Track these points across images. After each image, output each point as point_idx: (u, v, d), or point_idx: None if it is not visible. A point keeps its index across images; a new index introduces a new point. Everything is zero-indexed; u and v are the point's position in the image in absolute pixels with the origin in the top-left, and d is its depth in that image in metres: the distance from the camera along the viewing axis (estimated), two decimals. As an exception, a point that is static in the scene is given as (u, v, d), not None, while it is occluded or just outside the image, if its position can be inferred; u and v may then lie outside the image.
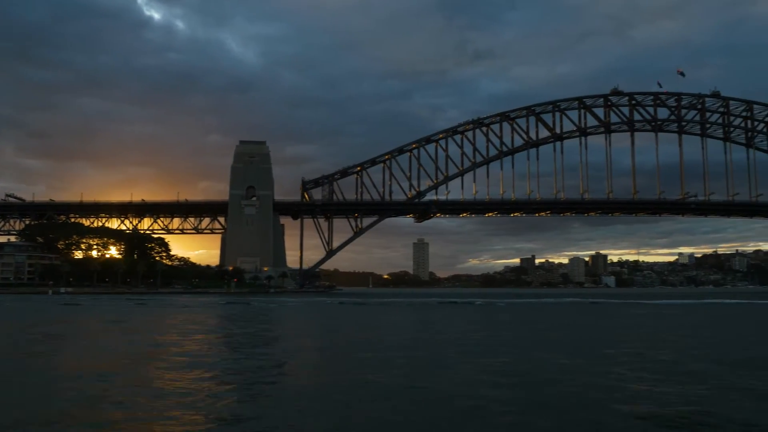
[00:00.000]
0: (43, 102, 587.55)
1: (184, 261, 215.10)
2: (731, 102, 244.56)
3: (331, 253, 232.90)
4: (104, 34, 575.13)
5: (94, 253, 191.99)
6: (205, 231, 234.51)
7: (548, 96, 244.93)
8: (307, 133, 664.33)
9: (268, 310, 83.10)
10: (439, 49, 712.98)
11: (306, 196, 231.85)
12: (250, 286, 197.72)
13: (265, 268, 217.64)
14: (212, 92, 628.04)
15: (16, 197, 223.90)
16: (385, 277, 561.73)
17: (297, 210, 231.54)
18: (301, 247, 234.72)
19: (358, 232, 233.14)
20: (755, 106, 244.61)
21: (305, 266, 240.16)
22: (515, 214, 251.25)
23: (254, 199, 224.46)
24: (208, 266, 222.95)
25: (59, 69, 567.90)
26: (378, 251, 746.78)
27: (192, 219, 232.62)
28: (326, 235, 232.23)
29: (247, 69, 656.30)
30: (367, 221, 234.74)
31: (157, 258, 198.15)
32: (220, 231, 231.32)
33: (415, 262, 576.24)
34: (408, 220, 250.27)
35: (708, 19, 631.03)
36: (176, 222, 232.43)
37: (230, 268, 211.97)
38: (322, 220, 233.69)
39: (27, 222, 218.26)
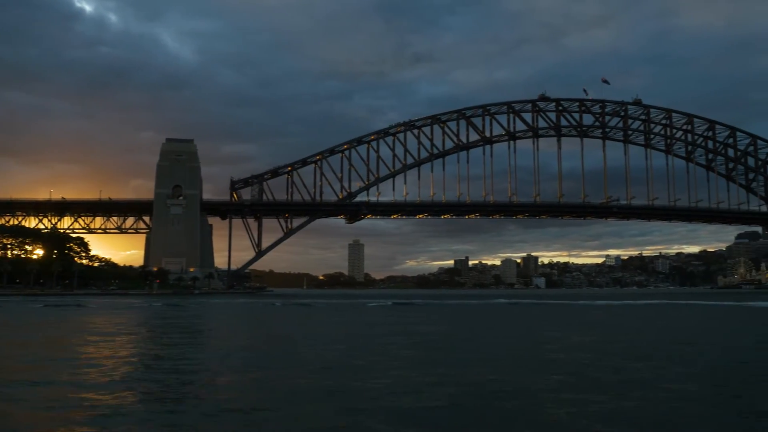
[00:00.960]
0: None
1: (106, 261, 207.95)
2: (652, 110, 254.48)
3: (260, 253, 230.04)
4: (32, 25, 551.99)
5: (9, 254, 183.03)
6: (129, 231, 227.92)
7: (486, 100, 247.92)
8: (245, 132, 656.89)
9: (164, 311, 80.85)
10: (378, 51, 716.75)
11: (235, 195, 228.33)
12: (174, 287, 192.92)
13: (192, 269, 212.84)
14: (145, 88, 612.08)
15: None
16: (321, 278, 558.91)
17: (225, 210, 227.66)
18: (230, 247, 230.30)
19: (288, 233, 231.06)
20: (674, 114, 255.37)
21: (235, 267, 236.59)
22: (445, 216, 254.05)
23: (181, 198, 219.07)
24: (130, 267, 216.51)
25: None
26: (316, 252, 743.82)
27: (115, 218, 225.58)
28: (256, 236, 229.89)
29: (182, 66, 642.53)
30: (298, 222, 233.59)
31: (75, 258, 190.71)
32: (145, 231, 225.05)
33: (351, 263, 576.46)
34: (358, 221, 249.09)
35: (636, 29, 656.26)
36: (99, 221, 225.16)
37: (155, 269, 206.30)
38: (251, 221, 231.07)
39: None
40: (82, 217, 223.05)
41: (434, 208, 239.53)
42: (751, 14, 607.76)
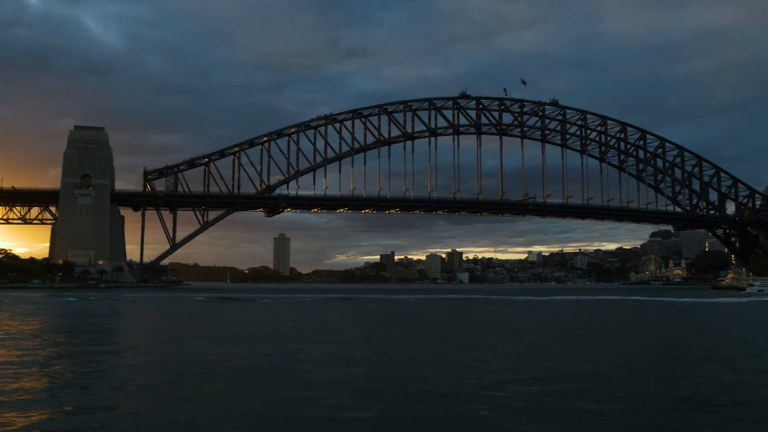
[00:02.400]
0: None
1: (5, 253, 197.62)
2: (568, 111, 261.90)
3: (174, 246, 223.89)
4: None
5: None
6: (35, 221, 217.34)
7: (418, 96, 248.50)
8: (173, 122, 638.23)
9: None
10: (311, 44, 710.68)
11: (149, 186, 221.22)
12: (79, 281, 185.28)
13: (101, 262, 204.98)
14: (66, 74, 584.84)
15: None
16: (246, 272, 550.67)
17: (138, 201, 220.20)
18: (142, 240, 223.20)
19: (204, 226, 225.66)
20: (589, 116, 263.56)
21: (151, 260, 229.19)
22: (366, 210, 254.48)
23: (90, 188, 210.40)
24: (32, 259, 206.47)
25: None
26: (245, 246, 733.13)
27: (19, 208, 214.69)
28: (171, 228, 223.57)
29: (106, 51, 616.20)
30: (215, 215, 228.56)
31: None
32: (51, 222, 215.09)
33: (276, 257, 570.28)
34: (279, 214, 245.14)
35: (563, 33, 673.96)
36: (2, 211, 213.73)
37: (60, 262, 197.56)
38: (167, 213, 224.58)
39: None
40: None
41: (354, 203, 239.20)
42: (669, 22, 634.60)
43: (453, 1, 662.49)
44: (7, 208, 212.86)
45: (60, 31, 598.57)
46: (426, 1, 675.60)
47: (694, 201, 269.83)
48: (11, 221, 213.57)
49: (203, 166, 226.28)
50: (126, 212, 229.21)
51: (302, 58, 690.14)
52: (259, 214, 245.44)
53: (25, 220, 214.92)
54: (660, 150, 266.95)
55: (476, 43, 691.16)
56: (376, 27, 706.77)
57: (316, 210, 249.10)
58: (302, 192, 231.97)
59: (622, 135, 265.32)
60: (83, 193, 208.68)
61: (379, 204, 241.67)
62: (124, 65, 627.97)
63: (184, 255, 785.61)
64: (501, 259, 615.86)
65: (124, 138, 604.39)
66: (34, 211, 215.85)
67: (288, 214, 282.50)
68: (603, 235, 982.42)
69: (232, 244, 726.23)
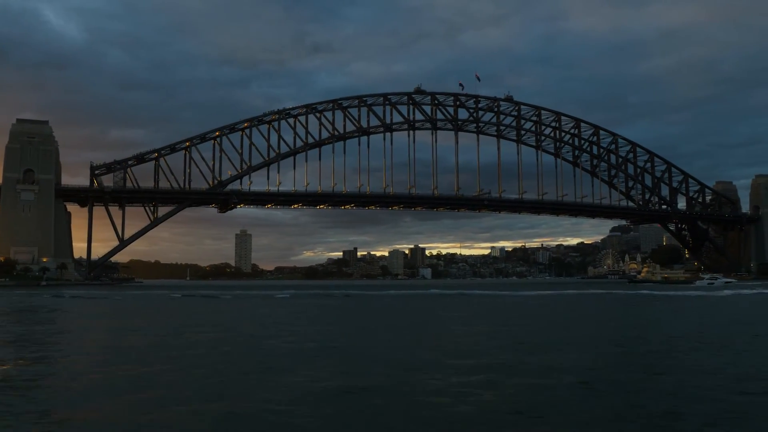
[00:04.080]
0: None
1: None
2: (522, 107, 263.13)
3: (123, 243, 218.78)
4: None
5: None
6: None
7: (385, 92, 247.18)
8: (135, 117, 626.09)
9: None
10: (277, 39, 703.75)
11: (95, 182, 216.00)
12: (20, 278, 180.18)
13: (45, 259, 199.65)
14: (25, 67, 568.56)
15: None
16: (207, 268, 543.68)
17: (84, 197, 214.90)
18: (89, 236, 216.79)
19: (154, 222, 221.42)
20: (543, 111, 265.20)
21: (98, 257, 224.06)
22: (321, 206, 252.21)
23: (34, 183, 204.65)
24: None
25: None
26: (210, 243, 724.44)
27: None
28: (120, 225, 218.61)
29: (67, 44, 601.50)
30: (166, 211, 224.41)
31: None
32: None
33: (238, 253, 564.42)
34: (243, 210, 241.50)
35: (528, 30, 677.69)
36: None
37: (1, 258, 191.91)
38: (116, 209, 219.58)
39: None
40: None
41: (308, 199, 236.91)
42: (631, 21, 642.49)
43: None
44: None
45: (18, 23, 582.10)
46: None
47: (647, 196, 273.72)
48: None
49: (153, 161, 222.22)
50: (74, 208, 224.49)
51: (268, 53, 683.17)
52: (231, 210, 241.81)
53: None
54: (613, 146, 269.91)
55: (442, 40, 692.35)
56: (343, 22, 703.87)
57: (269, 206, 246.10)
58: (258, 188, 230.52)
59: (576, 131, 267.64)
60: (26, 188, 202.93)
61: (334, 199, 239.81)
62: (86, 58, 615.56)
63: (145, 252, 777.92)
64: (465, 255, 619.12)
65: (86, 133, 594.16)
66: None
67: (254, 210, 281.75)
68: (567, 230, 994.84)
69: (197, 241, 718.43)
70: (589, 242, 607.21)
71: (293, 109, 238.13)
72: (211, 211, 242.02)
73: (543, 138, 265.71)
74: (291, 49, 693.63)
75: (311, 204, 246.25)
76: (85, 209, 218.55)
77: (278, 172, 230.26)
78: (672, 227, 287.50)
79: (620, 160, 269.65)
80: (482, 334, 38.34)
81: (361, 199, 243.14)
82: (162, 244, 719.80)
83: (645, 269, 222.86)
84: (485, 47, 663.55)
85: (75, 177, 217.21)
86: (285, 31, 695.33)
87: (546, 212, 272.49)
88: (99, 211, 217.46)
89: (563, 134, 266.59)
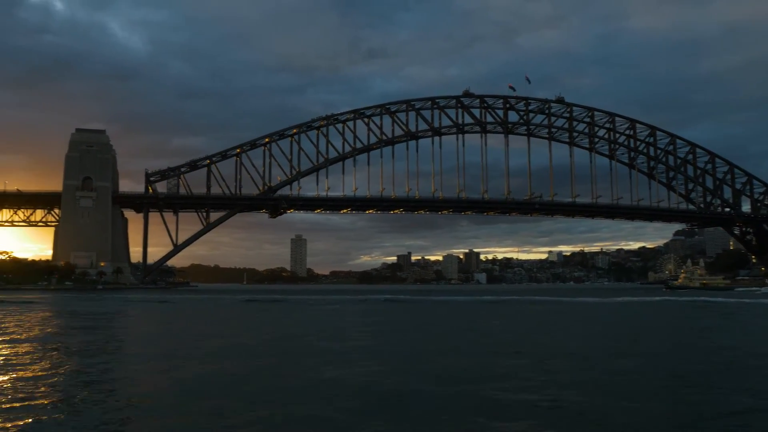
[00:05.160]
0: None
1: (6, 254, 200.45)
2: (575, 108, 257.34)
3: (177, 248, 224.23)
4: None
5: None
6: (39, 224, 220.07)
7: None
8: (196, 125, 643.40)
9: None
10: (332, 46, 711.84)
11: (150, 188, 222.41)
12: (77, 282, 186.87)
13: (102, 263, 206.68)
14: (92, 78, 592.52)
15: None
16: (264, 272, 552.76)
17: (140, 203, 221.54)
18: (145, 241, 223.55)
19: (207, 227, 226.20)
20: (596, 113, 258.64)
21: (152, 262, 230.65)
22: (370, 210, 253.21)
23: (92, 190, 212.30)
24: (33, 261, 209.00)
25: None
26: (269, 248, 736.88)
27: (24, 211, 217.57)
28: (174, 230, 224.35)
29: (131, 56, 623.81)
30: (218, 216, 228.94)
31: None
32: (54, 224, 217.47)
33: (293, 258, 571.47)
34: (302, 215, 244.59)
35: (586, 31, 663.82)
36: (7, 213, 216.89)
37: (62, 263, 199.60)
38: (170, 214, 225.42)
39: None
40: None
41: (356, 203, 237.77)
42: (694, 18, 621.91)
43: (473, 0, 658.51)
44: (13, 211, 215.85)
45: (86, 37, 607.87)
46: (446, 0, 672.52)
47: (708, 198, 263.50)
48: (16, 224, 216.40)
49: (206, 168, 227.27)
50: (131, 214, 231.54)
51: (323, 59, 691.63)
52: (281, 215, 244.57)
53: (29, 223, 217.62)
54: (671, 147, 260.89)
55: (497, 43, 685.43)
56: (397, 28, 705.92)
57: (319, 211, 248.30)
58: (307, 193, 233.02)
59: (632, 132, 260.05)
60: (85, 195, 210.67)
61: (382, 204, 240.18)
62: (148, 69, 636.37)
63: (205, 257, 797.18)
64: (521, 260, 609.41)
65: (149, 141, 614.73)
66: (39, 214, 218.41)
67: (312, 215, 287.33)
68: (629, 234, 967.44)
69: (256, 246, 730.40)
70: (652, 246, 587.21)
71: (341, 114, 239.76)
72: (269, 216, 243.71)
73: (597, 140, 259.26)
74: (346, 55, 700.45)
75: (360, 209, 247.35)
76: (142, 215, 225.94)
77: (327, 177, 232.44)
78: (736, 231, 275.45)
79: (679, 161, 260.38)
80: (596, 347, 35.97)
81: (409, 204, 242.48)
82: (223, 249, 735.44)
83: (682, 275, 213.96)
84: (541, 49, 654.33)
85: (139, 184, 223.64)
86: (340, 38, 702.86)
87: (600, 216, 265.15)
88: (155, 216, 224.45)
89: (618, 135, 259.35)
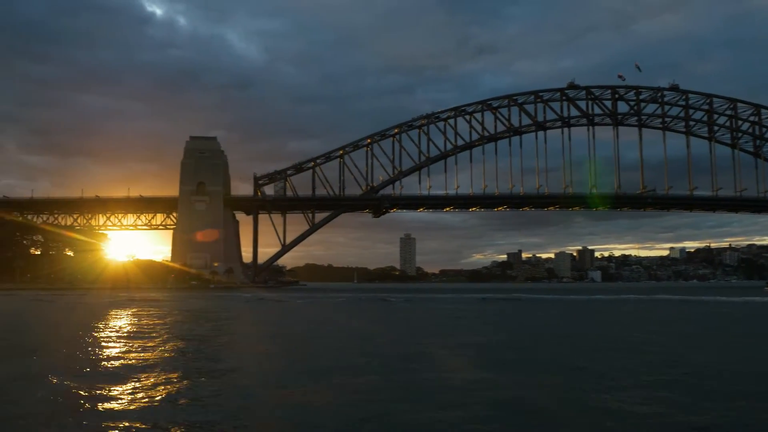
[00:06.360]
0: (45, 98, 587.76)
1: (133, 257, 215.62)
2: (691, 95, 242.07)
3: (285, 248, 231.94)
4: (106, 29, 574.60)
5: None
6: (159, 227, 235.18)
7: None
8: (309, 128, 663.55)
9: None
10: (440, 45, 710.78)
11: (259, 191, 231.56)
12: (191, 281, 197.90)
13: (216, 264, 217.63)
14: (214, 88, 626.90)
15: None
16: (374, 271, 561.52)
17: (249, 206, 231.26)
18: (255, 242, 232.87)
19: (312, 228, 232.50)
20: (715, 99, 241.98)
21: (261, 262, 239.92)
22: (473, 209, 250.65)
23: (205, 195, 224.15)
24: (153, 262, 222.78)
25: (60, 65, 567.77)
26: (382, 247, 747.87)
27: (146, 215, 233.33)
28: (281, 231, 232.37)
29: (249, 65, 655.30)
30: (322, 218, 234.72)
31: (97, 254, 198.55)
32: (173, 227, 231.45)
33: (402, 257, 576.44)
34: (411, 215, 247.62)
35: (711, 13, 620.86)
36: (131, 218, 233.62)
37: (177, 265, 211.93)
38: (277, 216, 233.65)
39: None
40: (116, 215, 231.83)
41: (458, 201, 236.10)
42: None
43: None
44: (136, 215, 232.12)
45: (207, 49, 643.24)
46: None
47: None
48: (139, 227, 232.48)
49: (311, 170, 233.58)
50: (242, 216, 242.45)
51: (432, 58, 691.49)
52: (391, 214, 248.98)
53: (151, 226, 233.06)
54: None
55: (613, 31, 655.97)
56: (505, 22, 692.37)
57: (421, 209, 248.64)
58: (409, 192, 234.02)
59: (756, 118, 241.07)
60: (199, 199, 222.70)
61: (485, 202, 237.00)
62: (264, 77, 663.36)
63: (320, 256, 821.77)
64: (639, 256, 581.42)
65: (267, 146, 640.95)
66: (159, 218, 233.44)
67: (424, 214, 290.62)
68: (764, 228, 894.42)
69: (371, 245, 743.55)
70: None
71: (442, 112, 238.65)
72: (384, 216, 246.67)
73: (717, 128, 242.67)
74: (454, 53, 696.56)
75: (462, 207, 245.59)
76: (249, 216, 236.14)
77: (428, 176, 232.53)
78: None
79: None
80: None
81: (513, 201, 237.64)
82: (338, 249, 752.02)
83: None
84: (662, 35, 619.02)
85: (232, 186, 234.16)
86: (448, 36, 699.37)
87: (722, 209, 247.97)
88: (265, 218, 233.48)
89: (740, 123, 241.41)
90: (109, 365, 25.19)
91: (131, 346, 31.60)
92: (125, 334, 39.01)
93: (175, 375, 22.35)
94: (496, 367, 25.21)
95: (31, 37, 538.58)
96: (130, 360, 26.53)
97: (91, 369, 24.26)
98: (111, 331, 41.39)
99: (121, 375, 22.28)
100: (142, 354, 28.52)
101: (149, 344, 32.65)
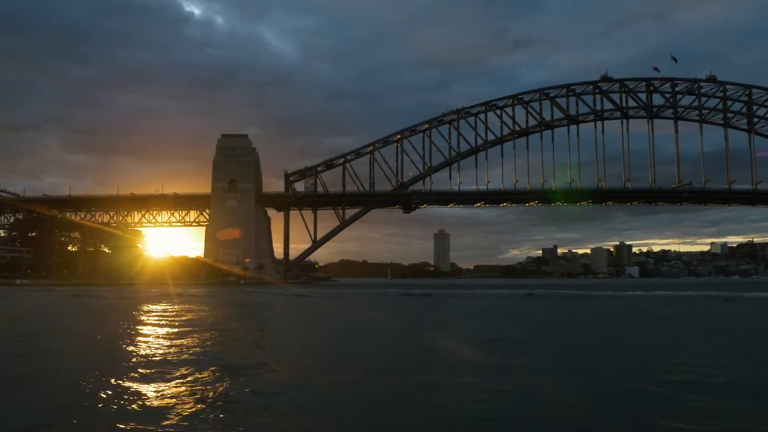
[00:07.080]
0: (87, 98, 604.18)
1: (168, 254, 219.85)
2: (729, 86, 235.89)
3: (316, 244, 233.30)
4: (145, 30, 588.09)
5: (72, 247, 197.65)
6: (193, 224, 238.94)
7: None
8: (345, 124, 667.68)
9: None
10: (476, 38, 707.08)
11: (290, 188, 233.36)
12: (222, 277, 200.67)
13: (247, 260, 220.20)
14: (251, 86, 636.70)
15: (9, 192, 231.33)
16: (408, 267, 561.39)
17: (280, 202, 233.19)
18: (286, 238, 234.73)
19: (343, 224, 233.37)
20: (754, 90, 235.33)
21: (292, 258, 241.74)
22: (504, 204, 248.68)
23: (237, 192, 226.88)
24: (187, 258, 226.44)
25: (101, 66, 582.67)
26: (417, 242, 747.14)
27: (180, 212, 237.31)
28: (312, 227, 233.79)
29: (285, 62, 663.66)
30: (353, 213, 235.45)
31: (133, 250, 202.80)
32: (206, 224, 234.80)
33: (436, 253, 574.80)
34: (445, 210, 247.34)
35: (752, 1, 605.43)
36: (165, 215, 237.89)
37: (209, 261, 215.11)
38: (308, 212, 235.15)
39: (19, 217, 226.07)
40: (151, 211, 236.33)
41: (489, 197, 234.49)
42: None
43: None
44: (170, 212, 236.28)
45: (244, 48, 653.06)
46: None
47: None
48: (173, 224, 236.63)
49: (341, 166, 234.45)
50: (274, 213, 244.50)
51: (467, 53, 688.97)
52: (427, 210, 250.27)
53: (184, 223, 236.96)
54: None
55: (652, 22, 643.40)
56: (541, 14, 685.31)
57: (452, 205, 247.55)
58: (440, 187, 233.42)
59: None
60: (231, 196, 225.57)
61: (516, 197, 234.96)
62: (300, 74, 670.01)
63: (356, 252, 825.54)
64: (679, 252, 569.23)
65: (303, 142, 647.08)
66: (193, 215, 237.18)
67: (459, 210, 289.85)
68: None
69: (406, 241, 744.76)
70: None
71: (473, 107, 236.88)
72: (420, 211, 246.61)
73: (757, 119, 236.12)
74: (490, 47, 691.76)
75: (493, 202, 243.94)
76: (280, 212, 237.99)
77: (458, 171, 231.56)
78: None
79: None
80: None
81: (545, 196, 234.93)
82: (373, 245, 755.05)
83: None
84: (702, 25, 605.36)
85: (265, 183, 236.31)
86: (484, 30, 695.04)
87: (761, 203, 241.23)
88: (296, 214, 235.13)
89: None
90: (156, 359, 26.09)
91: (173, 341, 32.81)
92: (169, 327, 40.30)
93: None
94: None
95: (72, 38, 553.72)
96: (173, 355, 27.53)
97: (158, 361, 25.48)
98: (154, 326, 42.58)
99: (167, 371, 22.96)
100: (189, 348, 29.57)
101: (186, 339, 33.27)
